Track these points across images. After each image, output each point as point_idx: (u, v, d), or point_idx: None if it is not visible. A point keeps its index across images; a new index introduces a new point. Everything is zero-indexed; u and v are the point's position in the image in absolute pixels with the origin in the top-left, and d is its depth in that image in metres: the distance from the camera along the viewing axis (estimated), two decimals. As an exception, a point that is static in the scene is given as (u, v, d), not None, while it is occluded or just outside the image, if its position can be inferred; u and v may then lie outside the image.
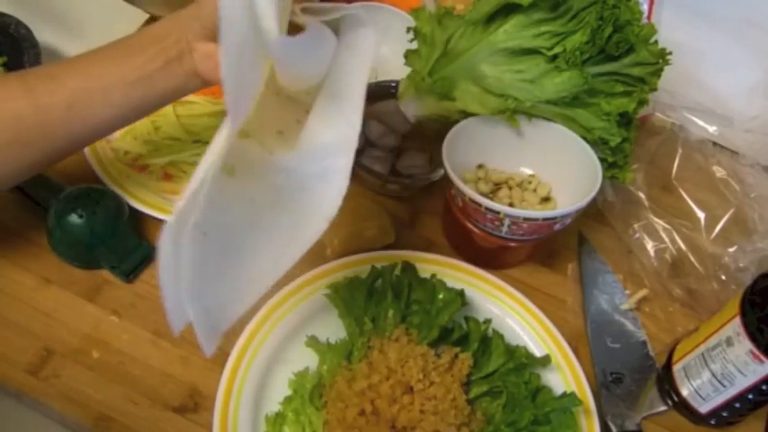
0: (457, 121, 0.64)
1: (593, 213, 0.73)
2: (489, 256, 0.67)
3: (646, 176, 0.75)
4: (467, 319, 0.61)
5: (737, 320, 0.54)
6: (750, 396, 0.56)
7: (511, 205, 0.65)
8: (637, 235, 0.71)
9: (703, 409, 0.60)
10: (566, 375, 0.60)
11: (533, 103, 0.61)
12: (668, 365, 0.62)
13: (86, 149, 0.68)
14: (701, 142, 0.79)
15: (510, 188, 0.66)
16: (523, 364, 0.58)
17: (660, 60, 0.62)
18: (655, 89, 0.64)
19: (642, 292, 0.68)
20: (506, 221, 0.59)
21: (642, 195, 0.74)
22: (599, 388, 0.62)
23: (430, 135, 0.69)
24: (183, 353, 0.60)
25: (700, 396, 0.59)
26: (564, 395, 0.57)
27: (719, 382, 0.57)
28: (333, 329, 0.61)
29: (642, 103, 0.63)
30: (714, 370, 0.57)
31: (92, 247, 0.61)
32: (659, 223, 0.72)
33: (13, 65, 0.70)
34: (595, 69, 0.60)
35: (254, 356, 0.58)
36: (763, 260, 0.68)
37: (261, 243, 0.45)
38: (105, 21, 0.79)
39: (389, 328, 0.59)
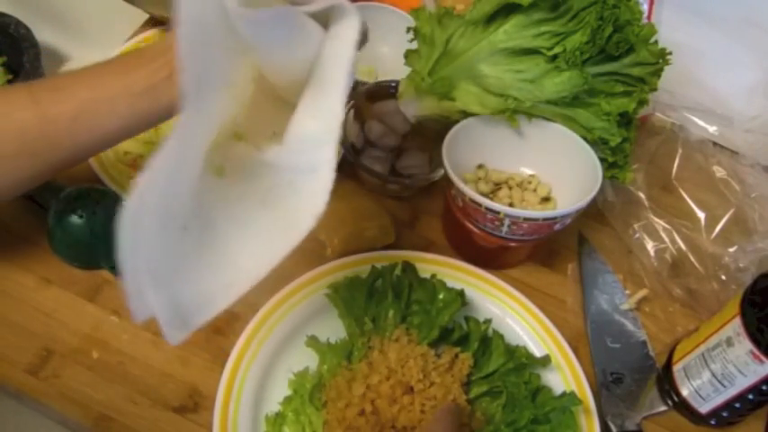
0: (457, 121, 0.64)
1: (593, 213, 0.73)
2: (489, 256, 0.67)
3: (646, 176, 0.75)
4: (467, 319, 0.61)
5: (737, 320, 0.54)
6: (750, 396, 0.56)
7: (511, 205, 0.65)
8: (637, 235, 0.71)
9: (703, 409, 0.60)
10: (566, 375, 0.60)
11: (533, 103, 0.61)
12: (668, 365, 0.62)
13: (86, 149, 0.68)
14: (701, 142, 0.79)
15: (510, 188, 0.66)
16: (523, 364, 0.58)
17: (660, 60, 0.62)
18: (655, 89, 0.64)
19: (642, 292, 0.68)
20: (506, 221, 0.59)
21: (642, 195, 0.73)
22: (599, 388, 0.62)
23: (430, 135, 0.69)
24: (183, 353, 0.60)
25: (700, 396, 0.59)
26: (564, 395, 0.57)
27: (719, 382, 0.57)
28: (333, 329, 0.61)
29: (642, 103, 0.63)
30: (714, 370, 0.57)
31: (92, 247, 0.61)
32: (659, 223, 0.72)
33: (13, 65, 0.70)
34: (595, 69, 0.60)
35: (254, 356, 0.58)
36: (763, 260, 0.68)
37: (246, 241, 0.45)
38: (105, 21, 0.79)
39: (390, 329, 0.59)
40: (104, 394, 0.57)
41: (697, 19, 0.82)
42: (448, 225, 0.70)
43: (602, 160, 0.63)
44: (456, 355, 0.58)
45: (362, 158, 0.69)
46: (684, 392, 0.60)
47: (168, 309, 0.41)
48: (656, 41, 0.61)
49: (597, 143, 0.63)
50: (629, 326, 0.66)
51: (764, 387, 0.55)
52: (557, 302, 0.68)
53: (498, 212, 0.58)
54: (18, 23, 0.69)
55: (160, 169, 0.39)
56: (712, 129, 0.80)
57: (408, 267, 0.63)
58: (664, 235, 0.71)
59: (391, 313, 0.60)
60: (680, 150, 0.78)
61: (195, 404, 0.58)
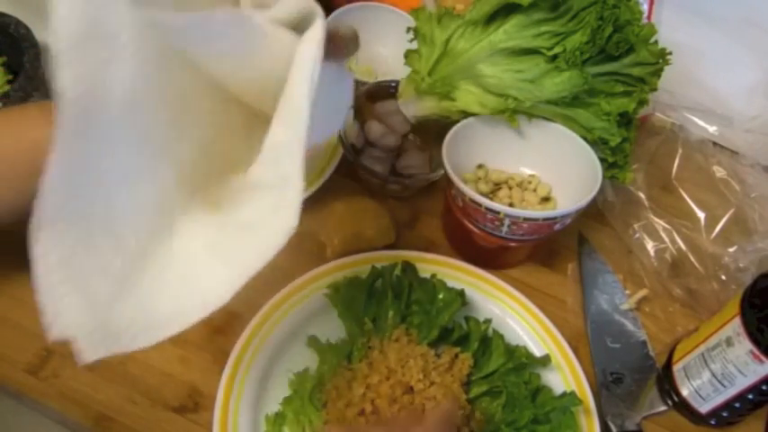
0: (457, 121, 0.64)
1: (594, 213, 0.73)
2: (489, 256, 0.67)
3: (646, 176, 0.75)
4: (467, 319, 0.61)
5: (737, 320, 0.54)
6: (750, 396, 0.56)
7: (511, 205, 0.65)
8: (637, 235, 0.71)
9: (703, 409, 0.60)
10: (566, 375, 0.60)
11: (533, 103, 0.61)
12: (668, 365, 0.62)
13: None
14: (701, 142, 0.79)
15: (510, 188, 0.66)
16: (523, 363, 0.58)
17: (660, 60, 0.62)
18: (655, 89, 0.64)
19: (642, 292, 0.68)
20: (506, 221, 0.59)
21: (642, 195, 0.73)
22: (599, 388, 0.62)
23: (430, 135, 0.69)
24: (183, 353, 0.60)
25: (700, 396, 0.59)
26: (564, 395, 0.57)
27: (719, 382, 0.57)
28: (333, 329, 0.61)
29: (642, 103, 0.63)
30: (714, 370, 0.57)
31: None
32: (659, 223, 0.72)
33: (13, 65, 0.70)
34: (595, 69, 0.60)
35: (254, 356, 0.58)
36: (763, 260, 0.68)
37: (212, 264, 0.41)
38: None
39: (389, 329, 0.59)
40: (104, 394, 0.57)
41: (697, 19, 0.82)
42: (448, 225, 0.70)
43: (602, 160, 0.63)
44: (456, 355, 0.58)
45: (362, 158, 0.69)
46: (684, 392, 0.60)
47: (94, 325, 0.39)
48: (656, 41, 0.61)
49: (597, 143, 0.63)
50: (629, 326, 0.66)
51: (764, 387, 0.55)
52: (557, 302, 0.68)
53: (498, 212, 0.58)
54: (18, 23, 0.69)
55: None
56: (712, 129, 0.80)
57: (408, 267, 0.63)
58: (664, 235, 0.71)
59: (391, 313, 0.60)
60: (680, 150, 0.78)
61: (195, 404, 0.58)
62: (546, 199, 0.66)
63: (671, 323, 0.68)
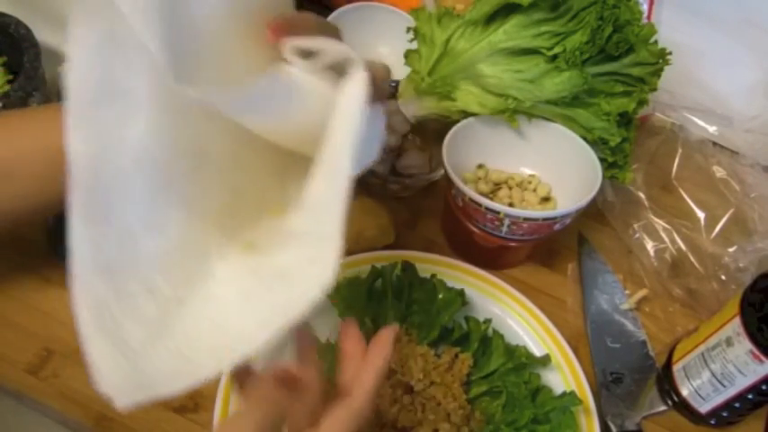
0: (457, 121, 0.64)
1: (594, 213, 0.73)
2: (489, 256, 0.67)
3: (646, 176, 0.75)
4: (467, 319, 0.61)
5: (737, 320, 0.54)
6: (750, 396, 0.56)
7: (511, 205, 0.65)
8: (637, 235, 0.71)
9: (703, 408, 0.60)
10: (566, 375, 0.60)
11: (533, 103, 0.61)
12: (668, 365, 0.62)
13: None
14: (701, 142, 0.79)
15: (510, 188, 0.66)
16: (523, 363, 0.58)
17: (660, 60, 0.62)
18: (655, 89, 0.64)
19: (642, 292, 0.68)
20: (506, 221, 0.59)
21: (642, 195, 0.73)
22: (599, 388, 0.62)
23: (430, 135, 0.69)
24: (183, 353, 0.60)
25: (700, 396, 0.59)
26: (564, 394, 0.57)
27: (719, 381, 0.57)
28: (333, 329, 0.60)
29: (642, 103, 0.63)
30: (714, 370, 0.57)
31: (92, 247, 0.61)
32: (659, 223, 0.72)
33: (13, 65, 0.70)
34: (595, 69, 0.60)
35: (254, 356, 0.58)
36: (763, 260, 0.68)
37: (244, 313, 0.40)
38: (105, 21, 0.79)
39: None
40: (104, 394, 0.57)
41: (697, 19, 0.82)
42: (448, 225, 0.70)
43: (602, 160, 0.63)
44: (456, 355, 0.58)
45: (362, 158, 0.69)
46: (684, 392, 0.60)
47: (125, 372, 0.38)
48: (656, 41, 0.61)
49: (597, 143, 0.63)
50: (629, 326, 0.66)
51: (764, 387, 0.55)
52: (557, 302, 0.68)
53: (498, 212, 0.58)
54: (18, 23, 0.69)
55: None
56: (712, 129, 0.80)
57: (408, 267, 0.63)
58: (664, 235, 0.71)
59: (391, 313, 0.60)
60: (680, 150, 0.78)
61: (195, 404, 0.58)
62: (546, 199, 0.66)
63: (671, 323, 0.68)
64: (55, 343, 0.59)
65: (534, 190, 0.66)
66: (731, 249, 0.69)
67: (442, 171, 0.62)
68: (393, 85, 0.69)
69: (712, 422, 0.61)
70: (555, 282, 0.69)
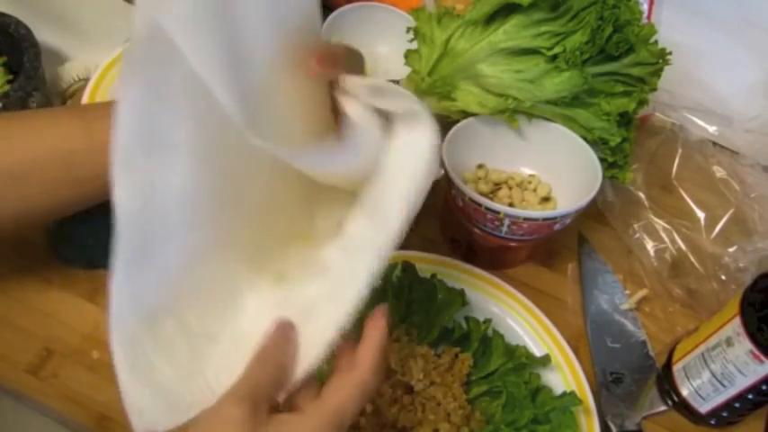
0: (457, 121, 0.64)
1: (594, 213, 0.73)
2: (489, 256, 0.67)
3: (646, 176, 0.75)
4: (467, 319, 0.61)
5: (737, 320, 0.54)
6: (750, 396, 0.56)
7: (511, 205, 0.65)
8: (637, 235, 0.71)
9: (703, 409, 0.60)
10: (566, 375, 0.60)
11: (533, 103, 0.61)
12: (668, 365, 0.62)
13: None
14: (701, 142, 0.79)
15: (510, 188, 0.66)
16: (523, 363, 0.58)
17: (660, 60, 0.62)
18: (655, 89, 0.64)
19: (642, 292, 0.68)
20: (506, 221, 0.59)
21: (642, 195, 0.73)
22: (599, 388, 0.62)
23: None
24: (183, 353, 0.60)
25: (700, 396, 0.59)
26: (564, 394, 0.57)
27: (719, 382, 0.57)
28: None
29: (642, 103, 0.63)
30: (714, 370, 0.57)
31: (92, 248, 0.61)
32: (659, 223, 0.72)
33: (13, 65, 0.70)
34: (595, 69, 0.60)
35: (254, 356, 0.58)
36: (763, 260, 0.68)
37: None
38: (105, 21, 0.79)
39: (390, 329, 0.59)
40: (104, 394, 0.57)
41: (697, 19, 0.82)
42: (448, 225, 0.70)
43: (602, 160, 0.63)
44: (456, 355, 0.58)
45: (362, 158, 0.69)
46: (684, 392, 0.60)
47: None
48: (656, 41, 0.61)
49: (597, 143, 0.63)
50: (629, 326, 0.66)
51: (764, 387, 0.55)
52: (557, 302, 0.68)
53: (498, 212, 0.58)
54: (18, 23, 0.69)
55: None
56: (712, 129, 0.80)
57: (408, 267, 0.63)
58: (664, 235, 0.71)
59: (391, 313, 0.60)
60: (680, 150, 0.78)
61: (195, 404, 0.58)
62: (546, 199, 0.66)
63: (671, 323, 0.68)
64: (55, 343, 0.59)
65: (534, 190, 0.66)
66: (731, 249, 0.69)
67: (442, 171, 0.62)
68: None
69: (712, 422, 0.61)
70: (555, 282, 0.69)
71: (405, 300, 0.60)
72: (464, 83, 0.62)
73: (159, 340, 0.40)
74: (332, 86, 0.43)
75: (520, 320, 0.63)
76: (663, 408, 0.62)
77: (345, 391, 0.39)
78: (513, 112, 0.62)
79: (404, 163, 0.39)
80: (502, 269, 0.68)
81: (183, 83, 0.36)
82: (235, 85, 0.35)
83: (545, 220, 0.58)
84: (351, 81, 0.41)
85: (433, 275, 0.63)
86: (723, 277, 0.68)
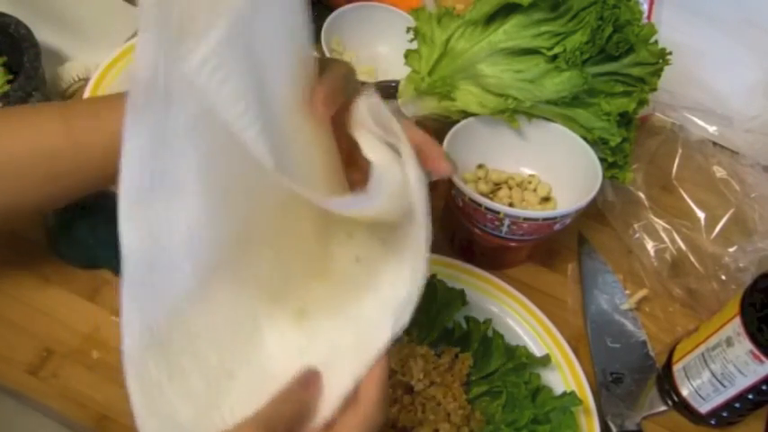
0: (457, 121, 0.64)
1: (594, 213, 0.73)
2: (489, 256, 0.67)
3: (646, 176, 0.75)
4: (467, 319, 0.61)
5: (737, 320, 0.54)
6: (750, 396, 0.56)
7: (511, 205, 0.65)
8: (637, 235, 0.71)
9: (703, 409, 0.60)
10: (566, 375, 0.60)
11: (533, 103, 0.61)
12: (668, 365, 0.62)
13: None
14: (701, 142, 0.79)
15: (510, 188, 0.66)
16: (523, 363, 0.58)
17: (660, 60, 0.62)
18: (655, 89, 0.64)
19: (642, 292, 0.68)
20: (506, 221, 0.59)
21: (642, 195, 0.74)
22: (599, 388, 0.62)
23: (430, 135, 0.69)
24: (183, 353, 0.60)
25: (700, 396, 0.59)
26: (564, 395, 0.57)
27: (719, 382, 0.57)
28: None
29: (642, 103, 0.63)
30: (714, 370, 0.57)
31: (93, 247, 0.61)
32: (659, 223, 0.72)
33: (13, 65, 0.70)
34: (595, 69, 0.60)
35: (254, 356, 0.58)
36: (763, 260, 0.68)
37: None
38: (105, 21, 0.79)
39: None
40: (104, 394, 0.57)
41: (697, 19, 0.82)
42: (448, 225, 0.70)
43: (602, 160, 0.63)
44: (456, 355, 0.58)
45: (362, 158, 0.69)
46: (684, 392, 0.60)
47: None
48: (656, 41, 0.61)
49: (597, 143, 0.63)
50: (629, 326, 0.66)
51: (764, 387, 0.55)
52: (557, 302, 0.68)
53: (498, 212, 0.58)
54: (18, 23, 0.69)
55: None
56: (712, 129, 0.81)
57: (408, 267, 0.63)
58: (664, 235, 0.71)
59: (391, 313, 0.60)
60: (680, 150, 0.78)
61: (195, 404, 0.58)
62: (546, 199, 0.66)
63: (671, 323, 0.68)
64: (55, 343, 0.59)
65: (534, 190, 0.66)
66: (731, 249, 0.69)
67: (442, 171, 0.62)
68: (393, 85, 0.69)
69: (712, 422, 0.61)
70: (555, 282, 0.69)
71: (405, 300, 0.60)
72: (464, 83, 0.62)
73: (178, 379, 0.40)
74: (339, 119, 0.43)
75: (520, 320, 0.63)
76: (663, 408, 0.62)
77: (352, 428, 0.40)
78: (513, 112, 0.62)
79: (415, 196, 0.39)
80: (502, 269, 0.68)
81: (189, 124, 0.36)
82: (263, 126, 0.35)
83: (545, 220, 0.58)
84: (359, 119, 0.42)
85: (433, 275, 0.62)
86: (723, 277, 0.68)
